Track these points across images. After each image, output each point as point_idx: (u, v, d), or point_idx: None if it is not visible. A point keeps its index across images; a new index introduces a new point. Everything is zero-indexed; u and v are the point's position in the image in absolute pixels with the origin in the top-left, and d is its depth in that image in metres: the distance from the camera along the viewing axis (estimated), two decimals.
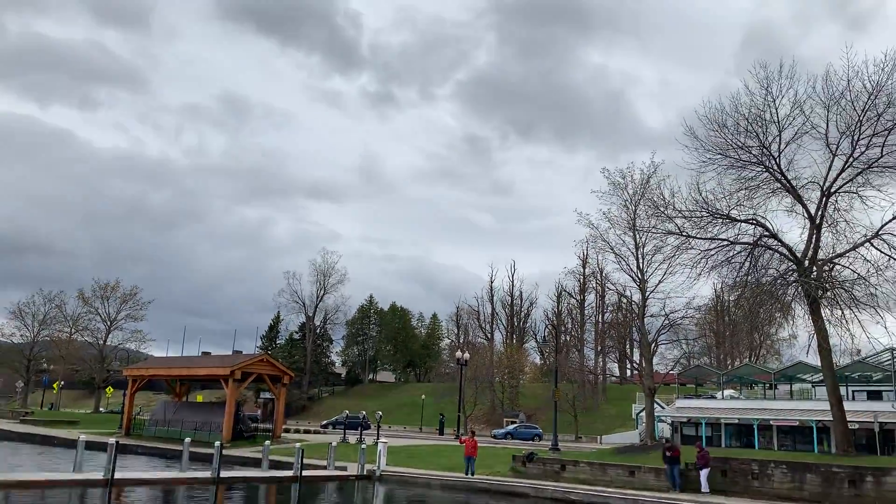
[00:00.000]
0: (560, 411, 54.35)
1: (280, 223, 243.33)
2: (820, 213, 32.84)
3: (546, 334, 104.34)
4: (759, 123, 33.11)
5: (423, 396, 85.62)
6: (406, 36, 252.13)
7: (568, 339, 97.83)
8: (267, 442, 34.91)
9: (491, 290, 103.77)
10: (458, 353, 65.88)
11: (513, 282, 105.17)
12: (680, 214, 36.89)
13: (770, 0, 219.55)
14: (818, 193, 33.10)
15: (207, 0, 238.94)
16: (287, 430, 56.34)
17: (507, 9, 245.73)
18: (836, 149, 32.13)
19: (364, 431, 51.89)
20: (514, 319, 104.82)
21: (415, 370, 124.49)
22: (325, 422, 78.01)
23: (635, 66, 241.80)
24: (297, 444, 36.29)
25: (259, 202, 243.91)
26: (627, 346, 78.98)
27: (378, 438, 40.59)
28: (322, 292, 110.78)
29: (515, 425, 71.16)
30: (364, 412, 68.55)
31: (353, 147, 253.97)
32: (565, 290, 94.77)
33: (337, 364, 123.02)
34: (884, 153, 31.00)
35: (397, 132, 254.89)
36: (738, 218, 34.36)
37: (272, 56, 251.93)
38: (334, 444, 35.68)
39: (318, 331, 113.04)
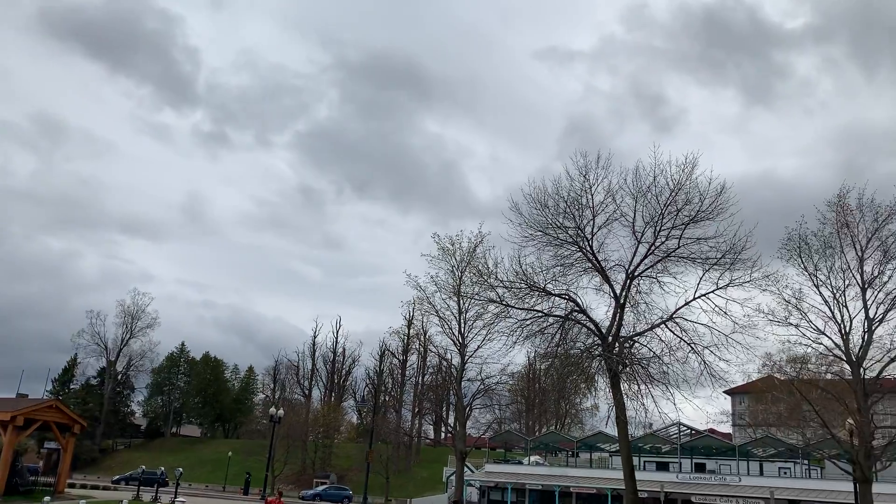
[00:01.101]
0: (373, 472, 53.87)
1: (87, 257, 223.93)
2: (624, 293, 35.71)
3: (365, 393, 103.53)
4: (577, 207, 35.71)
5: (230, 453, 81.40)
6: (246, 79, 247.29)
7: (387, 399, 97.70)
8: (46, 498, 31.59)
9: (314, 345, 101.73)
10: (272, 410, 63.53)
11: (337, 338, 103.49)
12: (501, 284, 38.64)
13: (590, 95, 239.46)
14: (623, 276, 36.05)
15: (30, 13, 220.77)
16: (73, 485, 51.17)
17: (351, 67, 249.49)
18: (641, 237, 35.37)
19: (161, 488, 48.31)
20: (335, 377, 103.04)
21: (224, 425, 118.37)
22: (117, 476, 72.04)
23: (469, 139, 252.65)
24: (82, 502, 33.13)
25: (66, 232, 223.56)
26: (444, 409, 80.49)
27: (176, 497, 38.01)
28: (128, 336, 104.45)
29: (325, 486, 69.46)
30: (163, 468, 63.96)
31: (176, 185, 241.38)
32: (389, 350, 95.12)
33: (137, 414, 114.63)
34: (680, 245, 34.55)
35: (228, 174, 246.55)
36: (553, 292, 36.50)
37: (98, 81, 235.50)
38: (125, 501, 32.92)
39: (119, 377, 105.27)
